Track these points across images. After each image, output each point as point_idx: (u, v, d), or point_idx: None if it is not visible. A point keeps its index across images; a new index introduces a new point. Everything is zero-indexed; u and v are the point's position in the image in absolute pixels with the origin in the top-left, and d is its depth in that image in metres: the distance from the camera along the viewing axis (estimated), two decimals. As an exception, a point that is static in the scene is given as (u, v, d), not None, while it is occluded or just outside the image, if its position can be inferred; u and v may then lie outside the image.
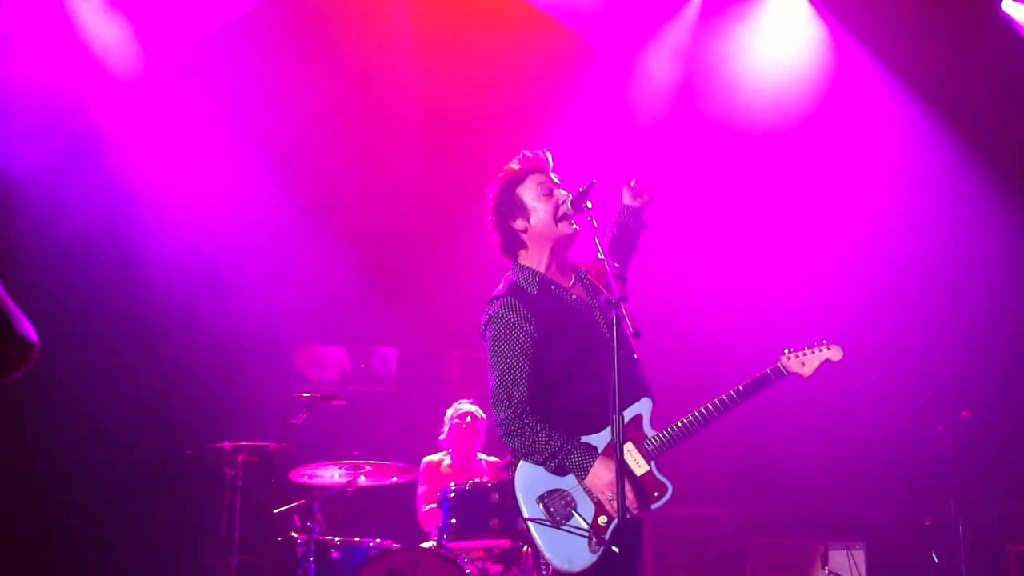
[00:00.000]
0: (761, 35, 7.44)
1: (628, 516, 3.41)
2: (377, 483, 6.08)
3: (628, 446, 3.55)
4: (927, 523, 6.54)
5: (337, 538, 5.78)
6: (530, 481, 3.58)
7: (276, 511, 5.90)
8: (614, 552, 3.45)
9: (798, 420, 6.95)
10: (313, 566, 5.63)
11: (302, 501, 5.86)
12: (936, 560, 6.41)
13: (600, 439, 3.57)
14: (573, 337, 3.63)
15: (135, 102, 7.12)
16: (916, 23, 7.09)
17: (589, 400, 3.59)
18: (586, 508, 3.53)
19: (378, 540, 5.78)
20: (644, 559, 6.29)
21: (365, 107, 7.43)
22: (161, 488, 6.85)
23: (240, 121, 7.29)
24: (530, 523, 3.52)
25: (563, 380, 3.62)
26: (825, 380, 3.72)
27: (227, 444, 5.96)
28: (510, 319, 3.60)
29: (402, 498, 6.49)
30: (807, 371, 3.73)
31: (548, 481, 3.56)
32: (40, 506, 6.66)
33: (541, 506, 3.54)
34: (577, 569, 3.47)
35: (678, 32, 7.50)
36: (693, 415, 3.61)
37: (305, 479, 5.97)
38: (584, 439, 3.57)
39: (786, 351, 3.74)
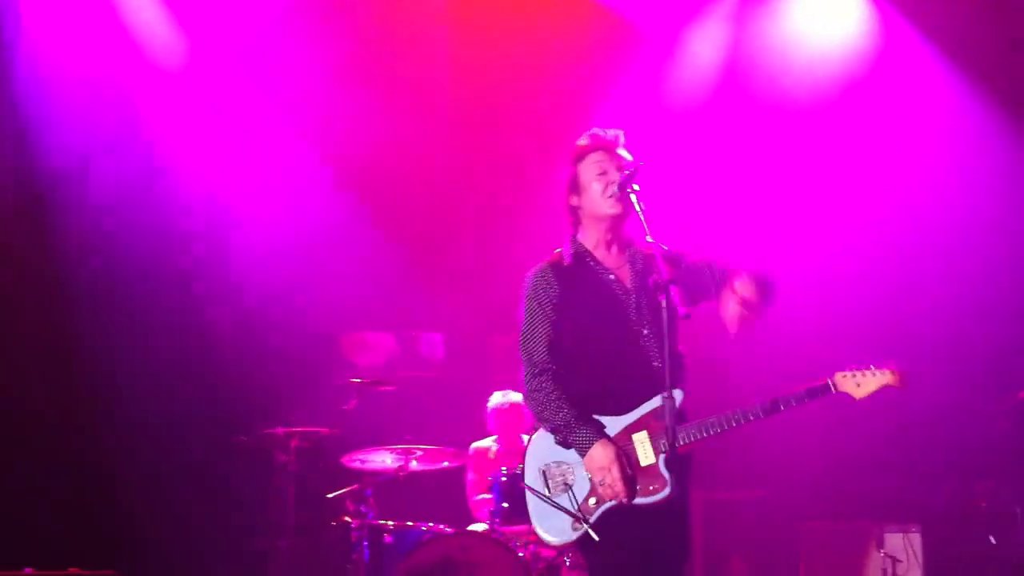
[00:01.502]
0: (806, 12, 7.31)
1: (619, 503, 3.47)
2: (429, 467, 6.11)
3: (642, 435, 3.54)
4: (983, 505, 6.44)
5: (390, 522, 5.82)
6: (540, 448, 3.66)
7: (329, 496, 5.96)
8: (593, 538, 3.49)
9: (851, 401, 6.85)
10: (367, 550, 5.69)
11: (355, 486, 5.91)
12: (993, 543, 6.31)
13: (615, 422, 3.58)
14: (594, 314, 3.64)
15: (182, 93, 7.17)
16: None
17: (606, 381, 3.60)
18: (581, 486, 3.56)
19: (431, 524, 5.81)
20: (694, 545, 6.25)
21: (406, 91, 7.42)
22: (215, 474, 6.93)
23: (284, 110, 7.32)
24: (529, 488, 3.61)
25: (580, 355, 3.63)
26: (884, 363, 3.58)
27: (280, 430, 6.03)
28: (537, 284, 3.70)
29: (454, 482, 6.51)
30: (860, 394, 3.53)
31: (555, 452, 3.62)
32: (96, 490, 6.77)
33: (541, 475, 3.62)
34: (557, 542, 3.59)
35: (722, 9, 7.39)
36: (721, 421, 3.52)
37: (357, 464, 6.01)
38: (599, 419, 3.58)
39: (846, 372, 3.54)
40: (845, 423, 6.96)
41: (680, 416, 3.51)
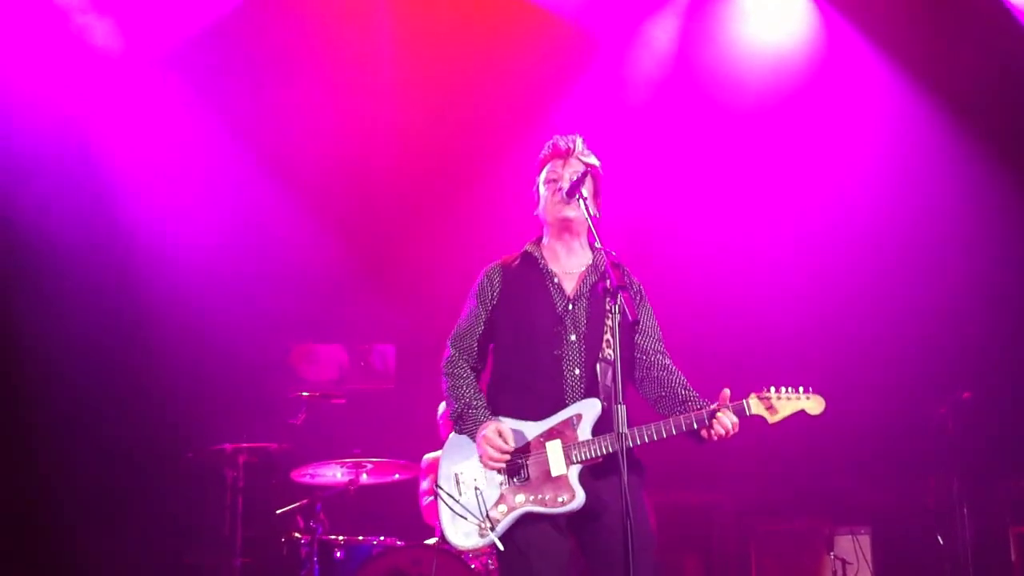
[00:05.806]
0: (753, 16, 7.38)
1: (495, 471, 3.51)
2: (379, 481, 6.07)
3: (555, 444, 3.53)
4: (931, 505, 6.52)
5: (340, 537, 5.77)
6: (455, 450, 3.66)
7: (279, 512, 5.88)
8: (499, 548, 3.50)
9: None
10: (317, 566, 5.62)
11: (304, 501, 5.85)
12: (941, 542, 6.39)
13: (532, 427, 3.57)
14: (523, 317, 3.69)
15: (125, 101, 7.04)
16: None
17: (526, 385, 3.63)
18: (491, 493, 3.56)
19: (381, 538, 5.77)
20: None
21: (356, 101, 7.37)
22: (162, 492, 6.83)
23: (231, 119, 7.24)
24: (440, 490, 3.61)
25: (506, 356, 3.69)
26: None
27: (228, 446, 5.96)
28: (483, 281, 3.80)
29: (404, 496, 6.46)
30: (774, 419, 3.48)
31: (467, 452, 3.61)
32: (40, 510, 6.63)
33: (454, 478, 3.63)
34: (464, 547, 3.59)
35: (670, 16, 7.44)
36: (633, 436, 3.43)
37: (307, 479, 5.95)
38: (515, 424, 3.57)
39: (767, 391, 3.50)
40: (792, 425, 7.01)
41: (600, 426, 3.51)
